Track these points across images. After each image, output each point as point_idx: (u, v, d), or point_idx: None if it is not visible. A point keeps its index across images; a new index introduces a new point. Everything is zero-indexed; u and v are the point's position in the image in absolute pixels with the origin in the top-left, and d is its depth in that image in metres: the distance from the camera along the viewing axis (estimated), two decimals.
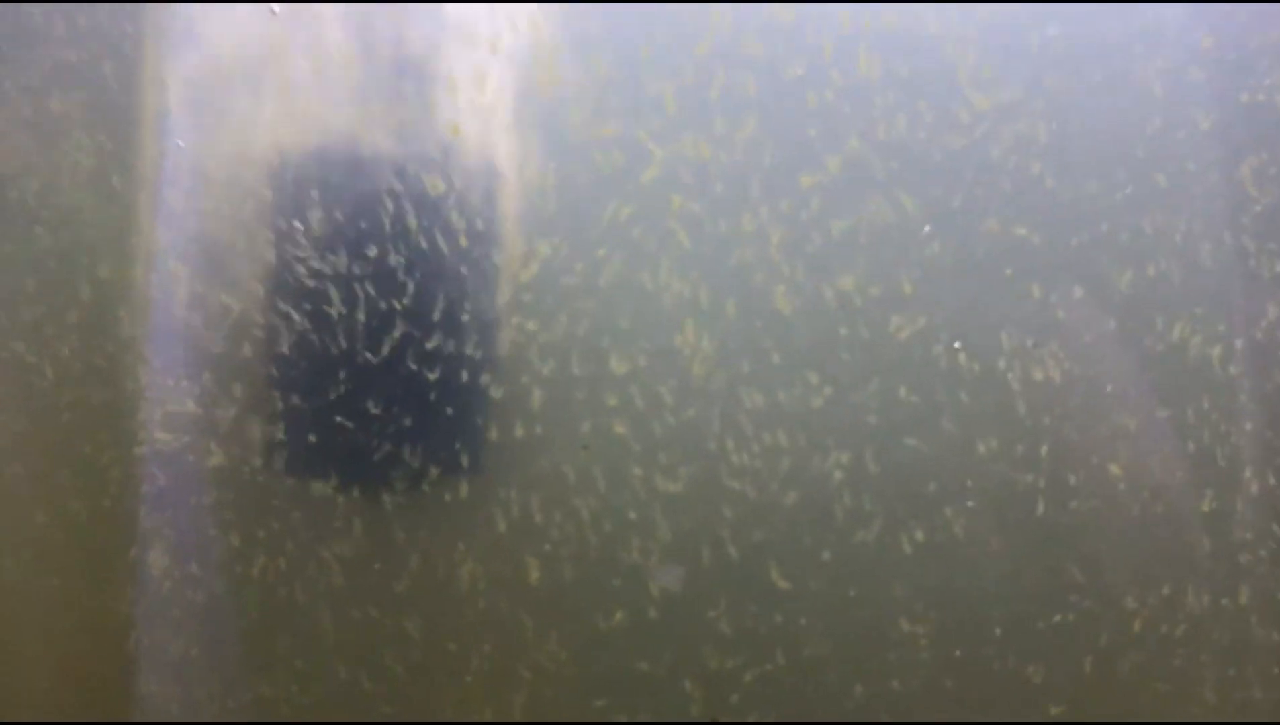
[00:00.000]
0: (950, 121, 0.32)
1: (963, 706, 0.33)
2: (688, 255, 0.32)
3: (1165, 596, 0.33)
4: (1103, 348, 0.33)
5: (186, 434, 0.32)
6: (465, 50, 0.31)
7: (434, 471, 0.32)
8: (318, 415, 0.31)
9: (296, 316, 0.31)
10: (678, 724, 0.32)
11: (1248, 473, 0.34)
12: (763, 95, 0.32)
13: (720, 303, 0.32)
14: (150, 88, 0.32)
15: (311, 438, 0.31)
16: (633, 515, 0.32)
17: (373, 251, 0.31)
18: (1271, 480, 0.34)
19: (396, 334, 0.31)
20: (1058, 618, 0.33)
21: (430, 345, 0.31)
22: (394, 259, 0.31)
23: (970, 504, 0.32)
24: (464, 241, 0.31)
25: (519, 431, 0.32)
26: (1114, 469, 0.33)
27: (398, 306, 0.31)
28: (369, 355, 0.31)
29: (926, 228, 0.32)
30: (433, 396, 0.32)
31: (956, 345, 0.32)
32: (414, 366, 0.31)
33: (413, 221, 0.31)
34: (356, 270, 0.31)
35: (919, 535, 0.32)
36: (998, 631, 0.33)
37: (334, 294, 0.31)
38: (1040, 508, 0.33)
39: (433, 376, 0.32)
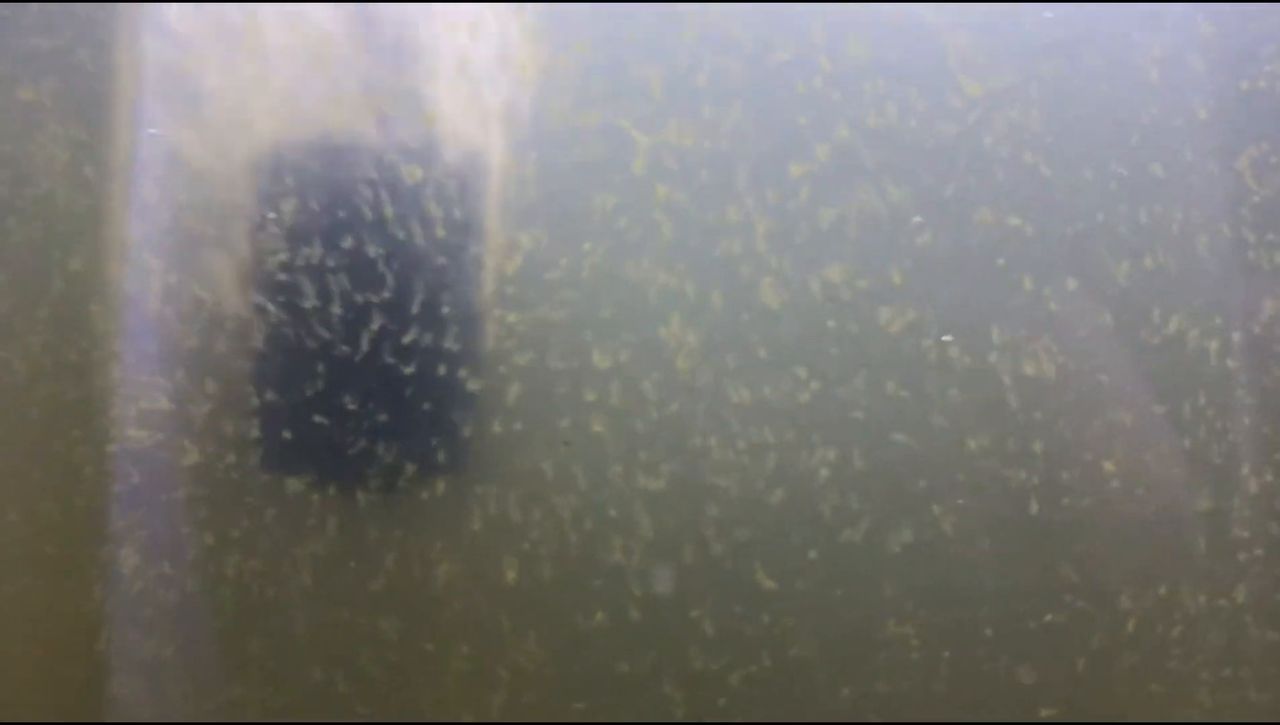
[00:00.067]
0: (942, 109, 0.32)
1: (953, 708, 0.33)
2: (673, 246, 0.31)
3: (1160, 596, 0.33)
4: (1097, 341, 0.33)
5: (160, 431, 0.31)
6: (445, 36, 0.31)
7: (410, 468, 0.31)
8: (294, 411, 0.31)
9: (272, 309, 0.31)
10: None
11: (1245, 470, 0.33)
12: (750, 82, 0.31)
13: (706, 295, 0.31)
14: (124, 75, 0.31)
15: (287, 434, 0.31)
16: (614, 513, 0.31)
17: (349, 242, 0.31)
18: (1269, 477, 0.34)
19: (374, 327, 0.31)
20: (1050, 618, 0.33)
21: (407, 339, 0.31)
22: (372, 250, 0.31)
23: (960, 501, 0.32)
24: (442, 232, 0.31)
25: (497, 427, 0.31)
26: (1108, 466, 0.33)
27: (375, 299, 0.31)
28: (346, 348, 0.31)
29: (917, 218, 0.32)
30: (409, 392, 0.31)
31: (947, 338, 0.32)
32: (391, 361, 0.31)
33: (390, 211, 0.31)
34: (332, 262, 0.31)
35: (908, 533, 0.32)
36: (989, 632, 0.32)
37: (309, 287, 0.31)
38: (1032, 505, 0.32)
39: (409, 371, 0.31)
